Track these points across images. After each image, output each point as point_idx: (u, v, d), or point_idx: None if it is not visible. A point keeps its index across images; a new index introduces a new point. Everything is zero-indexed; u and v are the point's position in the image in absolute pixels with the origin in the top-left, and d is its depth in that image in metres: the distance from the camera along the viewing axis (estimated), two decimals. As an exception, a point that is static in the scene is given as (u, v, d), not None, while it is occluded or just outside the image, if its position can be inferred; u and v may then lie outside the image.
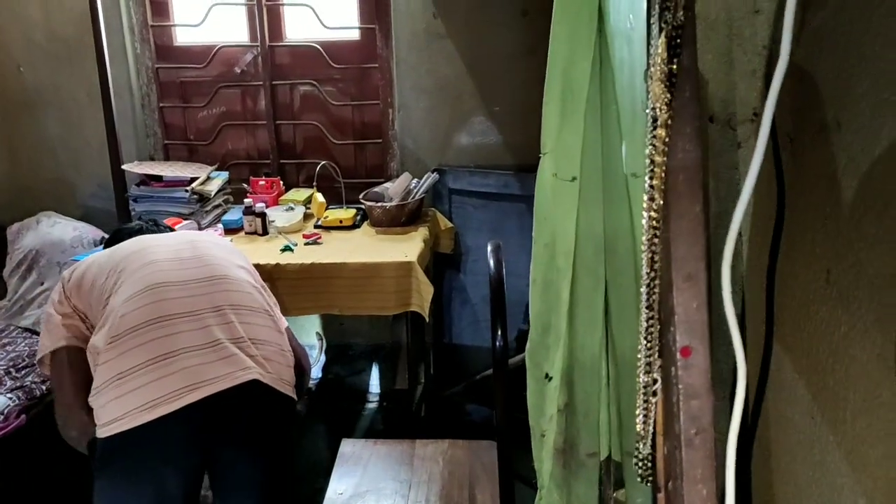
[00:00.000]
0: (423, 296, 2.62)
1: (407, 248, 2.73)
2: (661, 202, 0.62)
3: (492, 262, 1.90)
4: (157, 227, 2.23)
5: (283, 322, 2.01)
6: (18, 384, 2.56)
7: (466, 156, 3.20)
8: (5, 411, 2.42)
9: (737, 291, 0.70)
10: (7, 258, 3.06)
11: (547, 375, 1.20)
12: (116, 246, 1.99)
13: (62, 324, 1.86)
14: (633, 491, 1.27)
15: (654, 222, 0.64)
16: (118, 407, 1.63)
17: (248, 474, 1.78)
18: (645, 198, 0.64)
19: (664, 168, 0.61)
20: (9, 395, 2.48)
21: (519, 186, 3.01)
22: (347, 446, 2.25)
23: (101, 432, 1.64)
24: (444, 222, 3.14)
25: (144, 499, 1.68)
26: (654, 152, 0.62)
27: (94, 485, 1.71)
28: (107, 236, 2.28)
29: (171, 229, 2.28)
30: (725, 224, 0.77)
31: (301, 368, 1.98)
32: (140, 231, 2.16)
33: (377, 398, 3.42)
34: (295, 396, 1.85)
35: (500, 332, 1.82)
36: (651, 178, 0.63)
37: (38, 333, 2.89)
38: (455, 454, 2.19)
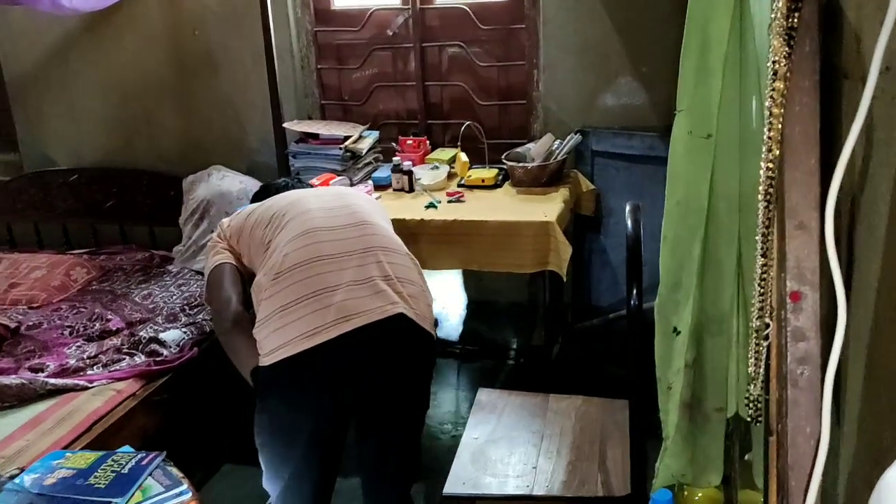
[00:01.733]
0: (560, 255, 2.66)
1: (547, 208, 2.77)
2: (777, 153, 0.64)
3: (629, 223, 1.92)
4: (300, 182, 2.46)
5: None
6: (191, 320, 2.84)
7: (611, 117, 3.17)
8: (181, 343, 2.70)
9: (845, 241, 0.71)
10: (183, 207, 3.37)
11: (675, 329, 1.22)
12: (273, 200, 2.17)
13: (223, 248, 2.12)
14: (761, 450, 1.27)
15: (770, 172, 0.66)
16: (280, 336, 1.79)
17: (393, 406, 1.92)
18: (763, 149, 0.66)
19: (781, 120, 0.63)
20: (183, 330, 2.76)
21: (664, 148, 2.93)
22: (484, 395, 2.35)
23: (265, 360, 1.81)
24: (586, 184, 3.14)
25: (303, 423, 1.85)
26: (772, 104, 0.64)
27: (255, 408, 1.90)
28: (262, 188, 2.51)
29: (311, 187, 2.51)
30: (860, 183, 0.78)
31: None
32: (286, 187, 2.37)
33: (514, 353, 3.50)
34: (435, 335, 1.96)
35: (635, 291, 1.84)
36: (769, 130, 0.65)
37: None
38: (588, 410, 2.24)
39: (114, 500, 1.78)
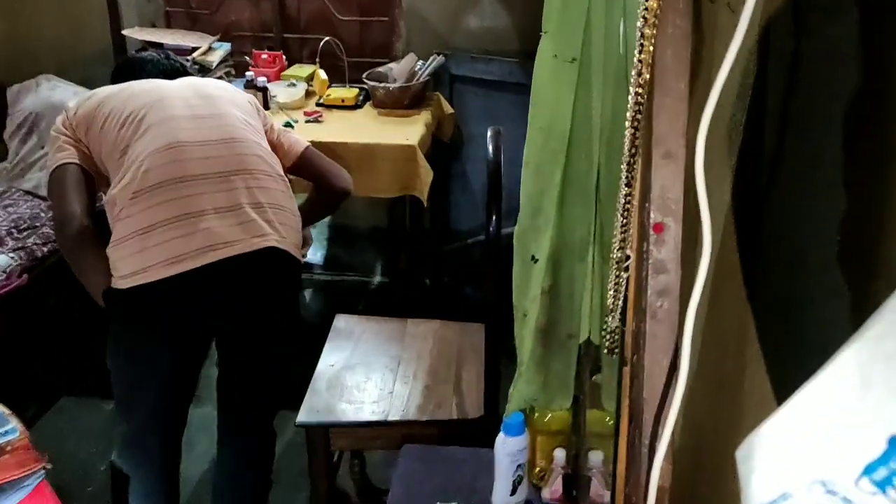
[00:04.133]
0: (422, 180, 2.62)
1: (409, 131, 2.71)
2: (648, 76, 0.62)
3: (490, 148, 1.90)
4: (167, 59, 2.14)
5: (299, 149, 2.06)
6: (20, 245, 2.60)
7: (473, 40, 3.12)
8: (7, 270, 2.47)
9: (715, 170, 0.71)
10: (7, 119, 3.04)
11: (533, 257, 1.22)
12: (128, 87, 1.92)
13: (68, 144, 1.86)
14: (610, 373, 1.31)
15: (638, 98, 0.64)
16: (139, 260, 1.65)
17: (258, 337, 1.84)
18: (632, 72, 0.64)
19: (653, 42, 0.60)
20: (11, 255, 2.52)
21: (523, 75, 2.95)
22: (341, 321, 2.31)
23: (121, 283, 1.67)
24: (447, 107, 3.10)
25: (161, 351, 1.75)
26: (644, 24, 0.61)
27: (111, 332, 1.77)
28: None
29: (183, 65, 2.19)
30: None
31: (335, 186, 2.07)
32: (151, 63, 2.09)
33: (374, 278, 3.48)
34: (302, 260, 1.88)
35: (494, 217, 1.83)
36: (640, 52, 0.62)
37: (39, 197, 2.91)
38: (445, 334, 2.25)
39: (-73, 442, 1.62)
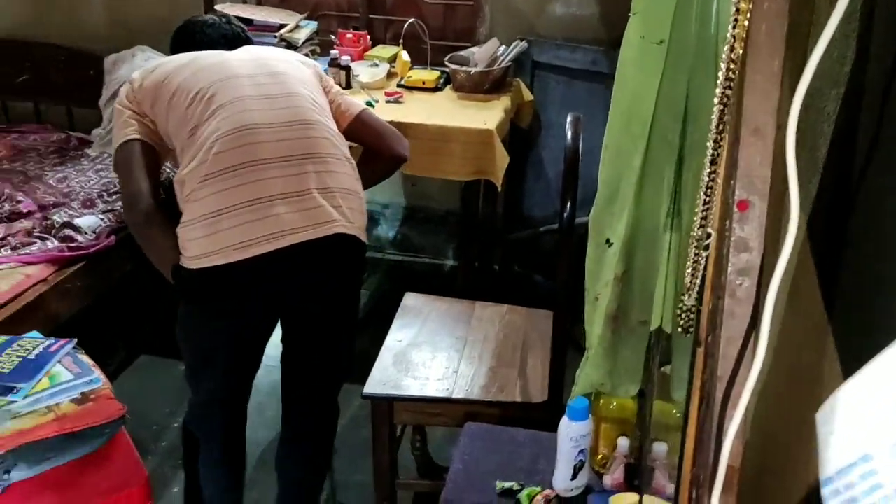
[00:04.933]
0: (497, 165, 2.63)
1: (487, 115, 2.71)
2: (740, 52, 0.61)
3: (569, 134, 1.89)
4: (229, 24, 2.11)
5: (355, 110, 2.06)
6: (109, 207, 2.72)
7: (557, 27, 3.09)
8: (97, 230, 2.58)
9: (808, 149, 0.69)
10: (104, 88, 3.17)
11: (608, 241, 1.21)
12: (195, 60, 1.90)
13: (133, 119, 1.87)
14: (681, 364, 1.30)
15: (730, 73, 0.63)
16: (210, 243, 1.69)
17: (324, 318, 1.88)
18: (724, 48, 0.63)
19: (748, 16, 0.59)
20: (100, 216, 2.64)
21: (607, 64, 2.92)
22: (410, 299, 2.33)
23: (192, 263, 1.72)
24: (527, 94, 3.08)
25: (228, 331, 1.81)
26: (740, -1, 0.60)
27: (180, 310, 1.83)
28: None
29: (243, 30, 2.15)
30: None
31: (391, 151, 2.07)
32: (213, 28, 2.06)
33: (444, 262, 3.50)
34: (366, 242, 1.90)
35: (569, 204, 1.83)
36: (733, 27, 0.61)
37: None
38: (513, 318, 2.26)
39: (18, 384, 1.71)
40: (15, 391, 1.69)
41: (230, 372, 1.88)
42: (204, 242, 1.71)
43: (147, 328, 2.75)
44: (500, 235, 3.38)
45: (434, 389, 1.95)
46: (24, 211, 2.67)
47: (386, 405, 1.94)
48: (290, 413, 1.99)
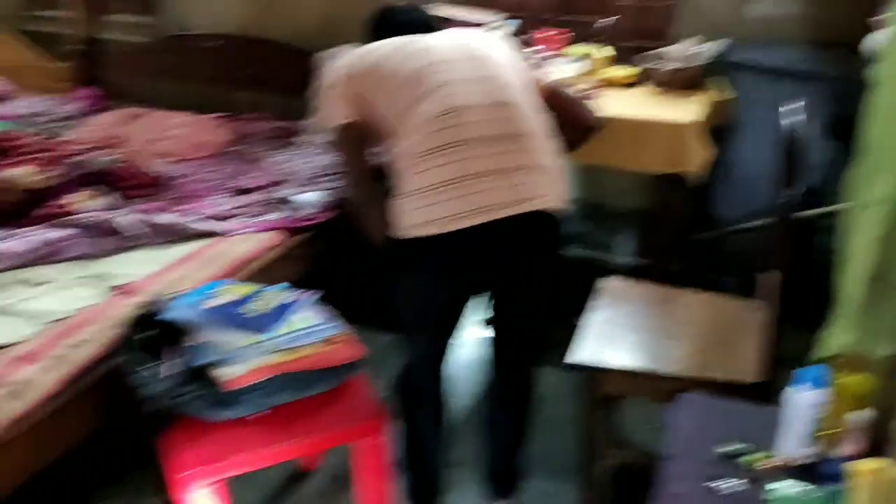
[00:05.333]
0: (696, 158, 2.65)
1: (684, 111, 2.74)
2: None
3: (787, 122, 1.92)
4: (422, 11, 2.24)
5: (546, 80, 2.16)
6: (326, 186, 2.96)
7: (755, 26, 3.07)
8: (321, 204, 2.83)
9: None
10: (313, 82, 3.43)
11: (868, 203, 1.23)
12: (402, 48, 2.03)
13: (344, 100, 1.99)
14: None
15: None
16: (421, 215, 1.88)
17: (526, 290, 2.03)
18: None
19: None
20: (321, 192, 2.88)
21: (808, 63, 2.87)
22: (609, 282, 2.40)
23: (407, 232, 1.91)
24: (724, 93, 3.08)
25: (437, 299, 1.99)
26: None
27: (400, 278, 2.01)
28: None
29: (435, 19, 2.27)
30: None
31: (580, 120, 2.16)
32: (411, 13, 2.20)
33: (624, 259, 3.53)
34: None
35: (787, 191, 1.85)
36: None
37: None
38: (719, 304, 2.26)
39: (269, 325, 1.93)
40: (266, 331, 1.91)
41: (441, 331, 2.05)
42: (419, 213, 1.89)
43: (355, 298, 2.92)
44: (684, 236, 3.37)
45: (641, 363, 2.01)
46: (253, 186, 2.96)
47: (590, 376, 2.01)
48: (500, 374, 2.15)
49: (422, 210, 1.89)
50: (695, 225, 3.37)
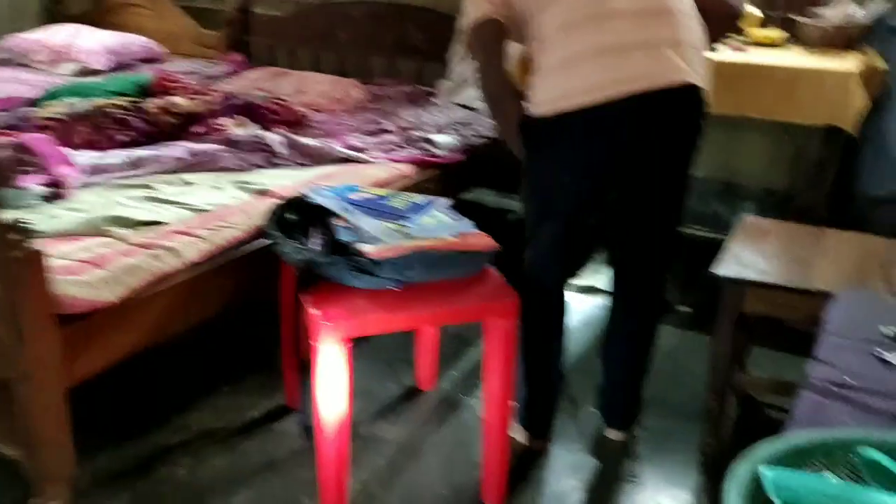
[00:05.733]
0: (853, 109, 2.53)
1: (840, 64, 2.63)
2: None
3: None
4: None
5: None
6: (460, 133, 3.01)
7: (920, -10, 2.93)
8: (451, 147, 2.88)
9: None
10: (454, 44, 3.53)
11: None
12: None
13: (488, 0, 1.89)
14: None
15: None
16: (563, 86, 1.79)
17: (661, 180, 1.93)
18: None
19: None
20: (454, 136, 2.94)
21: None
22: (751, 219, 2.31)
23: (544, 108, 1.83)
24: (880, 62, 2.93)
25: (571, 179, 1.90)
26: None
27: (525, 164, 1.96)
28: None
29: None
30: None
31: (726, 6, 1.98)
32: None
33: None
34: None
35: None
36: None
37: (470, 108, 3.33)
38: (869, 244, 2.13)
39: (410, 215, 1.96)
40: (410, 220, 1.94)
41: (571, 217, 1.96)
42: (556, 87, 1.81)
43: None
44: (826, 214, 3.21)
45: (788, 281, 1.91)
46: (388, 129, 3.04)
47: (738, 289, 1.93)
48: (624, 292, 2.09)
49: (559, 82, 1.80)
50: (837, 206, 3.21)
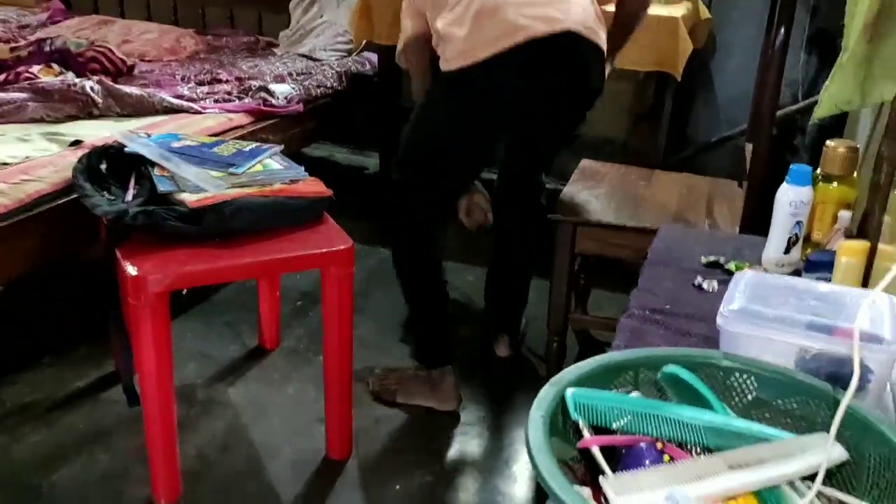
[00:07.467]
0: (680, 55, 2.61)
1: (667, 10, 2.71)
2: None
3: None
4: None
5: None
6: (298, 84, 2.88)
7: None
8: (289, 97, 2.75)
9: None
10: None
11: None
12: None
13: (418, 12, 1.99)
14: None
15: None
16: (461, 44, 1.81)
17: (550, 128, 2.00)
18: None
19: None
20: (292, 86, 2.81)
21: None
22: (588, 163, 2.35)
23: (447, 66, 1.85)
24: (704, 11, 3.05)
25: (464, 136, 1.91)
26: None
27: (423, 112, 1.96)
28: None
29: None
30: None
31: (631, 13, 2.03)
32: None
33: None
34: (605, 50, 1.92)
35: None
36: None
37: (313, 59, 3.21)
38: (695, 183, 2.22)
39: (237, 162, 1.85)
40: (234, 166, 1.83)
41: (455, 175, 2.01)
42: (454, 46, 1.83)
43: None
44: (661, 159, 3.34)
45: (616, 219, 1.95)
46: (224, 79, 2.88)
47: (570, 229, 1.95)
48: (503, 206, 2.16)
49: (459, 41, 1.82)
50: (672, 151, 3.35)
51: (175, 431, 1.69)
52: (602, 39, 1.89)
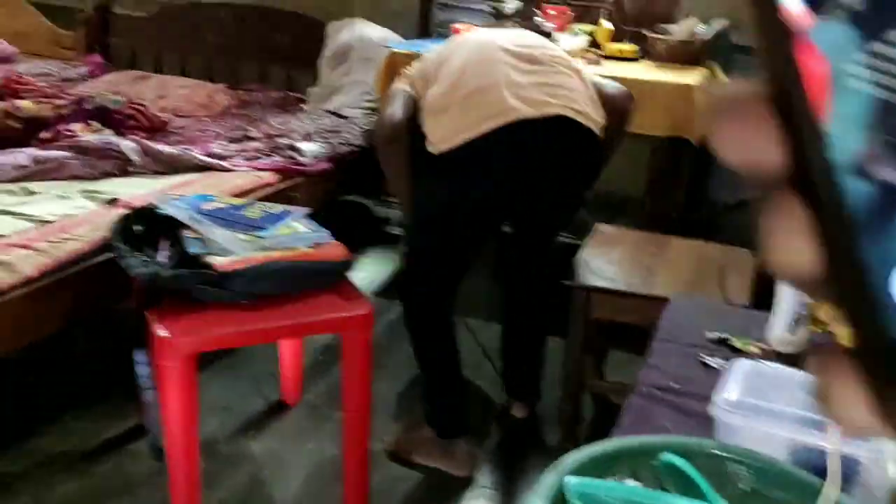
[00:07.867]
0: (697, 121, 2.68)
1: (686, 78, 2.78)
2: None
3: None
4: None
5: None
6: (326, 141, 2.99)
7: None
8: (317, 155, 2.85)
9: None
10: (324, 49, 3.50)
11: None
12: (464, 43, 2.15)
13: (404, 82, 2.12)
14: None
15: None
16: (447, 126, 1.91)
17: (550, 209, 2.10)
18: None
19: None
20: (320, 144, 2.92)
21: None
22: (604, 227, 2.41)
23: (440, 147, 1.93)
24: (721, 77, 3.12)
25: (466, 207, 1.99)
26: None
27: (425, 186, 2.04)
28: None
29: None
30: None
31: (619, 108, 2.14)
32: None
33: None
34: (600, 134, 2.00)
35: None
36: None
37: (341, 116, 3.31)
38: (707, 252, 2.27)
39: (264, 225, 1.93)
40: (262, 230, 1.91)
41: (461, 248, 2.07)
42: (446, 125, 1.92)
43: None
44: (679, 219, 3.39)
45: (629, 286, 2.00)
46: (254, 136, 2.99)
47: (584, 295, 2.00)
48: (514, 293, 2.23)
49: (443, 124, 1.91)
50: (690, 210, 3.39)
51: (199, 487, 1.75)
52: (595, 122, 1.97)
